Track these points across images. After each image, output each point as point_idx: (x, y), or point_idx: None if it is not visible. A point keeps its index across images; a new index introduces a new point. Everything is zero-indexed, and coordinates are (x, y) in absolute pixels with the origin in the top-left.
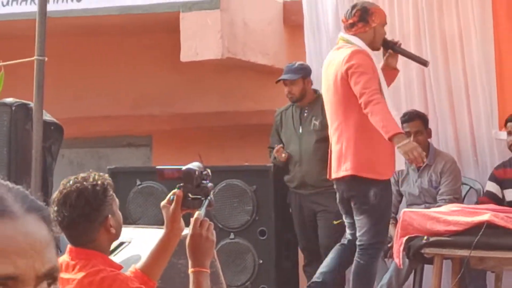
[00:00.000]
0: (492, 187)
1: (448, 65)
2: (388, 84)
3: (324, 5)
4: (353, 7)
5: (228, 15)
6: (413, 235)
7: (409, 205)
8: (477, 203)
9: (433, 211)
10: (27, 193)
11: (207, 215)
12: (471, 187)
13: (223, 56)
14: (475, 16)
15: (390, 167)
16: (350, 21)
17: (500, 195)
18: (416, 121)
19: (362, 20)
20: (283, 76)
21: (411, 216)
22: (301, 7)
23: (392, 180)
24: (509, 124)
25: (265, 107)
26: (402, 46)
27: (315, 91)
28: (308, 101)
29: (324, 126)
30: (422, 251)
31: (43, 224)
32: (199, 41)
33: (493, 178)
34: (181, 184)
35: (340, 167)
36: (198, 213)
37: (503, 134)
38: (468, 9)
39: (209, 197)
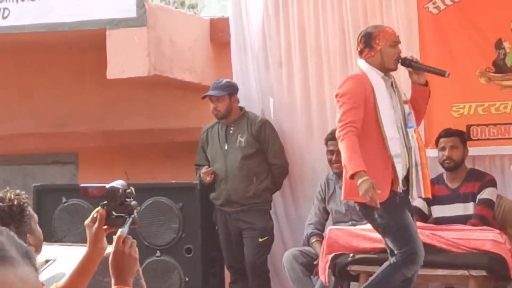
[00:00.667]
0: (419, 203)
1: None
2: (423, 102)
3: (250, 23)
4: (359, 34)
5: (155, 33)
6: (339, 253)
7: (336, 222)
8: None
9: (359, 228)
10: (13, 234)
11: (131, 233)
12: None
13: (149, 73)
14: (401, 36)
15: (385, 188)
16: (359, 48)
17: (427, 211)
18: None
19: (367, 45)
20: (209, 92)
21: (337, 233)
22: (228, 24)
23: (319, 197)
24: (441, 140)
25: (191, 124)
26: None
27: (241, 109)
28: (234, 119)
29: (249, 143)
30: (348, 268)
31: (33, 269)
32: (126, 58)
33: None
34: (105, 202)
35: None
36: (121, 231)
37: (431, 152)
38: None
39: (132, 215)
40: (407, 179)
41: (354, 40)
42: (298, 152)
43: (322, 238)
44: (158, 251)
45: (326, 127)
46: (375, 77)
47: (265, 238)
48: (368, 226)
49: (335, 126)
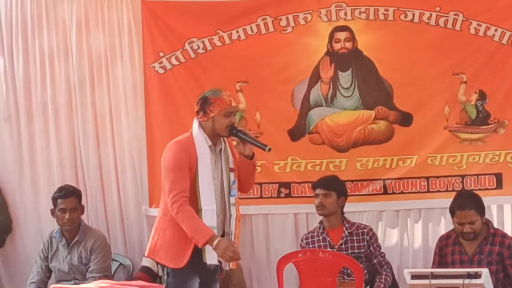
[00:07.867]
0: (148, 262)
1: (99, 142)
2: (248, 174)
3: None
4: (200, 96)
5: None
6: None
7: (58, 281)
8: (132, 278)
9: (82, 287)
10: None
11: None
12: (120, 264)
13: None
14: (127, 94)
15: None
16: (195, 108)
17: (156, 270)
18: (72, 198)
19: (202, 109)
20: None
21: None
22: None
23: (42, 256)
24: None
25: None
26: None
27: None
28: None
29: None
30: None
31: None
32: None
33: None
34: None
35: None
36: None
37: (154, 211)
38: (119, 88)
39: None
40: None
41: (79, 96)
42: (23, 208)
43: None
44: None
45: (52, 184)
46: (202, 146)
47: None
48: (93, 284)
49: (62, 183)
